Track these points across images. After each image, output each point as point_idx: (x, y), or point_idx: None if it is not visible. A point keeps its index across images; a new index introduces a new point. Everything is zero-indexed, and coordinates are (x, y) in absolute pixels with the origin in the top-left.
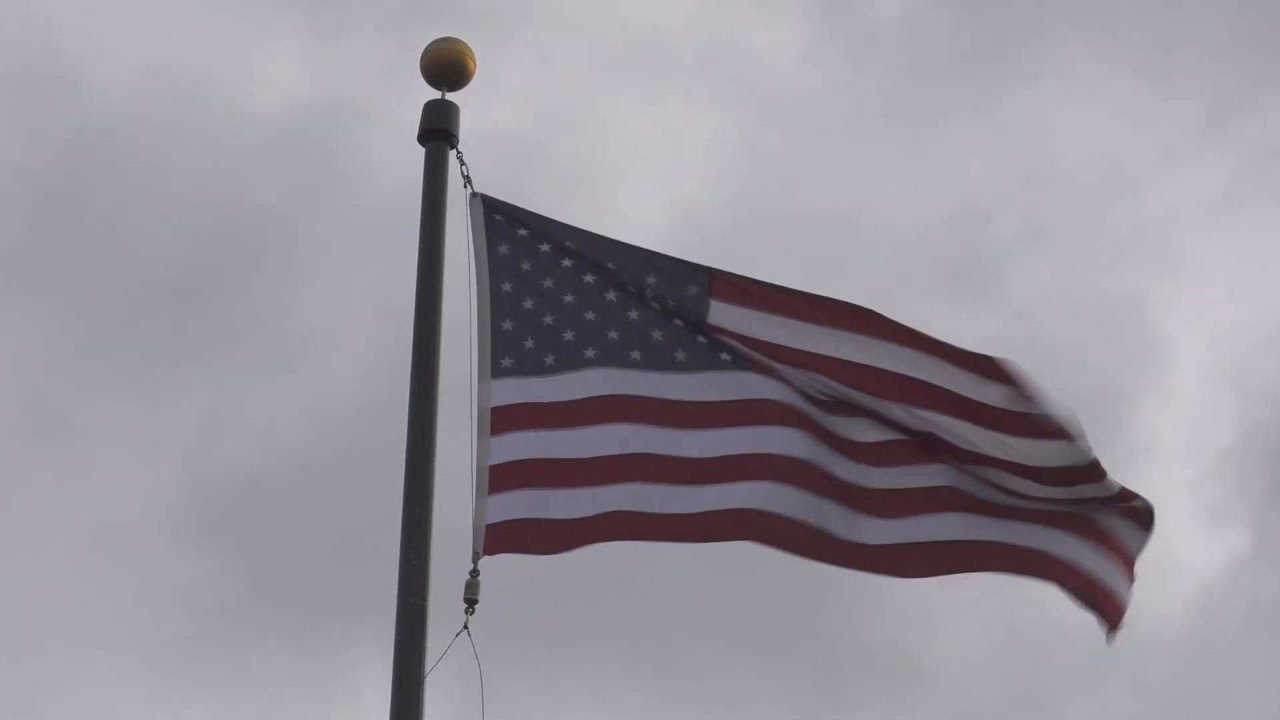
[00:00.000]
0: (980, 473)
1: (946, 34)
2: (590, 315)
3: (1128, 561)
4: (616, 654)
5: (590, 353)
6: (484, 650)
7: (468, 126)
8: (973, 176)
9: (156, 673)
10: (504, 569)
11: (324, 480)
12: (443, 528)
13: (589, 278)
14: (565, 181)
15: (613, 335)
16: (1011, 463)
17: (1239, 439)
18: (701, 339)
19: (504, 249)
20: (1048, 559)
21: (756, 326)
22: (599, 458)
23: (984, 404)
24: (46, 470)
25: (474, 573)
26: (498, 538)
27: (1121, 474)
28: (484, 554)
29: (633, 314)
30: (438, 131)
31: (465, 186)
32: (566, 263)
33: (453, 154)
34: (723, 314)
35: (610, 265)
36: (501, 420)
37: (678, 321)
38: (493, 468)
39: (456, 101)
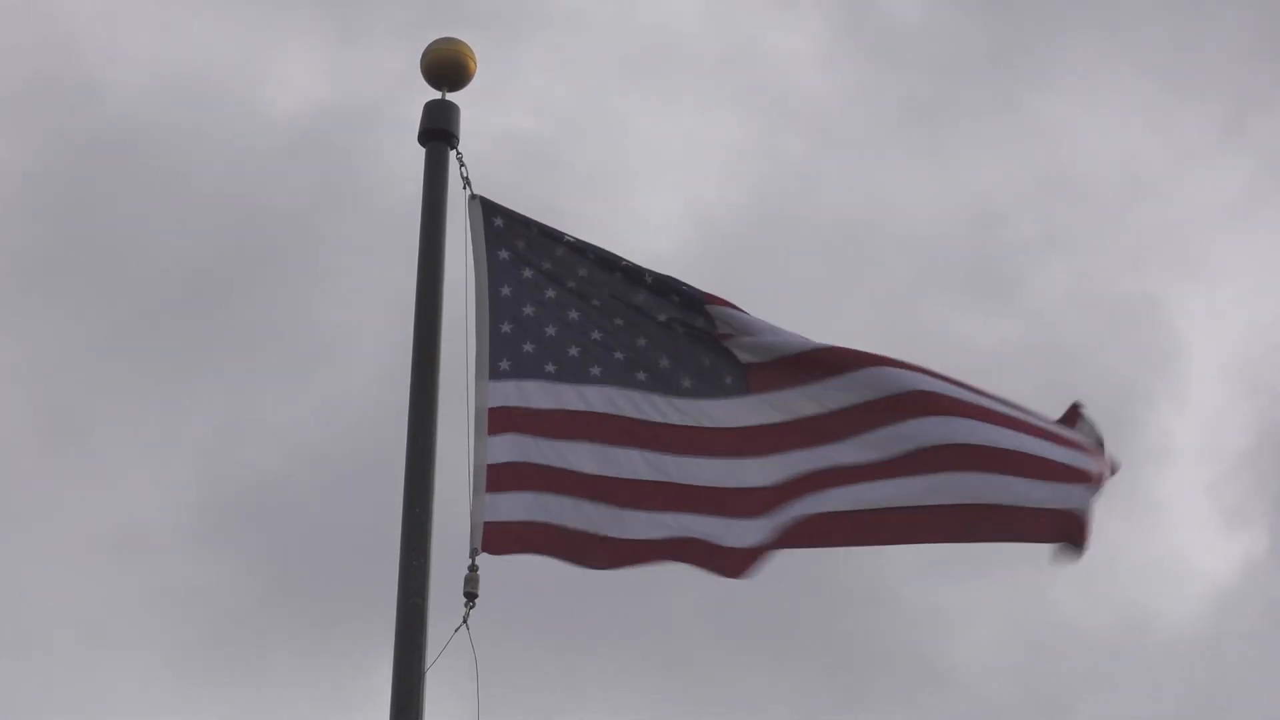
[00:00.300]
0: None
1: (965, 37)
2: (596, 335)
3: (1085, 451)
4: (631, 655)
5: (596, 370)
6: (494, 650)
7: (483, 129)
8: (991, 179)
9: (172, 674)
10: (516, 570)
11: (340, 483)
12: (443, 528)
13: (596, 301)
14: (582, 184)
15: (619, 356)
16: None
17: (1255, 441)
18: (706, 361)
19: (504, 254)
20: (995, 511)
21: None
22: (614, 478)
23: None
24: (64, 472)
25: (473, 568)
26: (505, 537)
27: (1138, 476)
28: (490, 553)
29: (641, 341)
30: (438, 132)
31: (465, 188)
32: (570, 283)
33: (453, 154)
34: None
35: (610, 281)
36: (499, 421)
37: (681, 343)
38: (490, 466)
39: (457, 102)
